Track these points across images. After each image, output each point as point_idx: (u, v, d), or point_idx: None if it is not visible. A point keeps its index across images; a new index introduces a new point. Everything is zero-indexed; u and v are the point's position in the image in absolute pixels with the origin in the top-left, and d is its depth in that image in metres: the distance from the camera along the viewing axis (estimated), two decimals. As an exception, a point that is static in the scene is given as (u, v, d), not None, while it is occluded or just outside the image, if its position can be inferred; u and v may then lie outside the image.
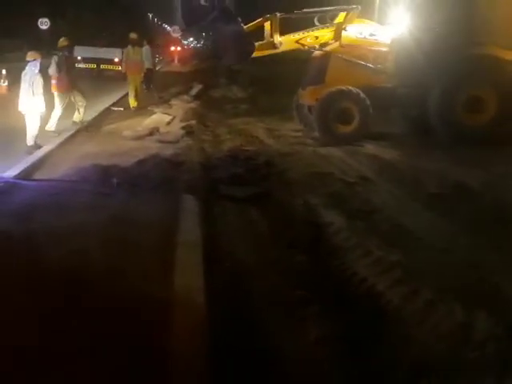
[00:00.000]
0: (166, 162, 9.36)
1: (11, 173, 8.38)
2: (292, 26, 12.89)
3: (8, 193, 7.52)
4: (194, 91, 20.07)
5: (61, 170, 8.97)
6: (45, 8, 36.12)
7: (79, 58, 28.08)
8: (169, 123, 13.75)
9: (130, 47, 17.43)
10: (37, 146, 10.74)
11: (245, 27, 12.53)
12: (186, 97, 18.95)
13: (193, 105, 16.79)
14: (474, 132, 10.98)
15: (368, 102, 11.55)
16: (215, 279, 5.02)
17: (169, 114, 14.87)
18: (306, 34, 12.53)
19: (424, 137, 11.47)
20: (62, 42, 13.12)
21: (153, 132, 12.62)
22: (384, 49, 12.08)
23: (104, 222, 6.42)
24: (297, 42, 12.49)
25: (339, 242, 5.98)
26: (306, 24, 13.16)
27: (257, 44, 12.44)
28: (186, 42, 76.88)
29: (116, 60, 25.83)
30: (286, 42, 12.46)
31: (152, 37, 43.09)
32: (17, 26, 35.23)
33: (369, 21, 12.94)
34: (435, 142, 10.98)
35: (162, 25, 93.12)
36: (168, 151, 10.32)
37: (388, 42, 12.11)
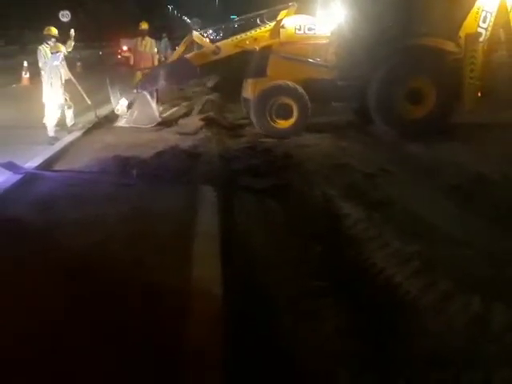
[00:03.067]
0: (185, 153, 9.38)
1: (32, 164, 8.46)
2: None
3: (29, 183, 7.61)
4: (212, 83, 20.04)
5: (81, 160, 9.04)
6: (65, 0, 36.28)
7: (124, 48, 28.28)
8: (187, 115, 13.76)
9: (139, 38, 15.83)
10: (56, 138, 10.83)
11: (175, 55, 13.09)
12: (203, 88, 18.92)
13: (211, 96, 16.76)
14: (413, 124, 11.03)
15: (306, 96, 11.43)
16: (233, 270, 5.03)
17: (187, 106, 14.88)
18: (244, 36, 12.43)
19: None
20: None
21: (172, 123, 12.69)
22: (324, 42, 11.96)
23: (123, 212, 6.48)
24: (236, 45, 12.41)
25: (357, 233, 5.97)
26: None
27: (195, 52, 12.66)
28: (205, 34, 76.79)
29: (155, 50, 25.66)
30: (225, 47, 12.42)
31: (172, 29, 43.17)
32: (38, 19, 35.45)
33: (308, 16, 12.71)
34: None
35: (181, 17, 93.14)
36: (187, 143, 10.35)
37: (328, 34, 11.98)
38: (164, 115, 13.62)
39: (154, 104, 12.48)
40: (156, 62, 16.40)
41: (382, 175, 8.22)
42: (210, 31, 32.28)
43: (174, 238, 5.70)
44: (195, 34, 12.85)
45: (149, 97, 12.29)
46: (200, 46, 13.29)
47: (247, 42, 12.35)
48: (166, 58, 22.21)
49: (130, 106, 12.53)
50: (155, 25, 30.99)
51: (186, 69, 12.34)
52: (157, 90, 13.61)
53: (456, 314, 4.20)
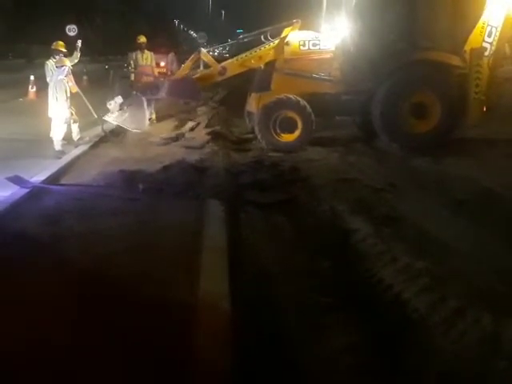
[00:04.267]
0: (192, 167, 9.39)
1: (39, 178, 8.45)
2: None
3: (35, 197, 7.60)
4: (219, 97, 20.09)
5: (88, 175, 9.04)
6: (72, 15, 36.55)
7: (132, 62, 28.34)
8: (193, 129, 13.78)
9: (138, 52, 15.71)
10: (62, 152, 10.84)
11: (182, 71, 12.90)
12: (210, 102, 18.96)
13: (218, 110, 16.79)
14: (417, 138, 11.02)
15: (309, 110, 11.43)
16: (240, 284, 5.01)
17: (194, 120, 14.90)
18: (249, 55, 12.36)
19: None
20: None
21: (178, 138, 12.70)
22: (328, 56, 11.94)
23: (130, 226, 6.48)
24: (241, 65, 12.36)
25: (365, 248, 5.93)
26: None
27: (201, 73, 12.64)
28: (210, 48, 77.22)
29: (162, 64, 25.65)
30: (230, 67, 12.36)
31: (179, 43, 43.40)
32: (45, 33, 35.69)
33: (312, 32, 12.67)
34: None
35: (187, 31, 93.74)
36: (193, 157, 10.35)
37: (332, 49, 11.97)
38: (170, 129, 13.64)
39: (147, 112, 12.46)
40: (156, 75, 16.51)
41: (390, 190, 8.19)
42: (217, 47, 32.37)
43: (181, 252, 5.69)
44: (203, 52, 12.86)
45: (145, 103, 12.27)
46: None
47: (252, 61, 12.29)
48: (172, 73, 22.29)
49: (122, 106, 12.45)
50: (161, 40, 31.20)
51: (190, 89, 12.34)
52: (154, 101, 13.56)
53: (466, 330, 4.15)
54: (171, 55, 23.48)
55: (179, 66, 22.32)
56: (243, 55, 12.38)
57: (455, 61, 11.09)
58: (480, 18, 11.08)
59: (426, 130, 11.14)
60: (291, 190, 8.39)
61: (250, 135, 12.91)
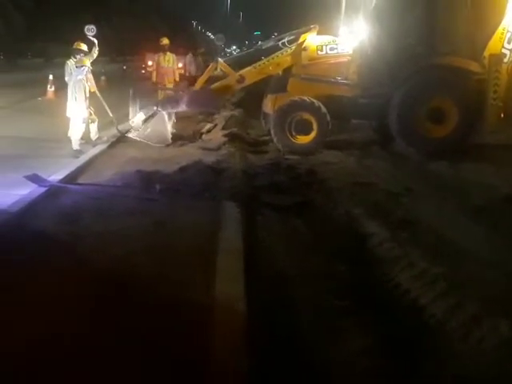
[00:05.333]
0: (208, 168, 9.40)
1: (57, 177, 8.50)
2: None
3: (53, 196, 7.64)
4: (236, 99, 20.10)
5: (105, 174, 9.08)
6: (91, 14, 36.72)
7: (150, 63, 28.47)
8: (210, 130, 13.79)
9: (161, 54, 16.38)
10: (80, 151, 10.90)
11: (200, 82, 12.86)
12: (227, 104, 18.97)
13: (234, 112, 16.79)
14: (434, 143, 10.96)
15: (325, 112, 11.42)
16: (256, 286, 5.01)
17: (211, 122, 14.92)
18: (267, 62, 12.37)
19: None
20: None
21: (195, 136, 12.85)
22: (345, 59, 11.93)
23: (147, 227, 6.50)
24: (259, 72, 12.36)
25: (382, 253, 5.92)
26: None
27: (220, 83, 12.54)
28: (228, 50, 77.63)
29: (180, 65, 25.80)
30: (248, 75, 12.37)
31: (196, 44, 43.51)
32: (64, 32, 35.94)
33: (330, 36, 12.65)
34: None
35: (205, 32, 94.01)
36: (210, 158, 10.36)
37: (350, 52, 11.96)
38: (187, 130, 13.71)
39: (169, 126, 12.54)
40: (177, 78, 16.66)
41: (407, 194, 8.16)
42: (234, 47, 32.43)
43: (197, 253, 5.70)
44: (220, 61, 12.86)
45: (166, 117, 12.36)
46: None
47: (270, 68, 12.32)
48: (189, 73, 22.38)
49: (146, 121, 12.62)
50: (179, 41, 31.32)
51: (208, 100, 12.43)
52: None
53: (484, 336, 4.13)
54: (189, 56, 23.59)
55: (197, 67, 22.45)
56: (261, 62, 12.43)
57: (473, 66, 11.04)
58: (500, 24, 11.00)
59: (443, 135, 11.09)
60: (307, 193, 8.37)
61: (267, 137, 12.91)
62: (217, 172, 9.25)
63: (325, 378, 3.92)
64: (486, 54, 11.03)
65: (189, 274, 5.13)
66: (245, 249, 5.85)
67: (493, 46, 11.04)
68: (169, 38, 16.84)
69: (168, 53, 16.39)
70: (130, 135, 12.41)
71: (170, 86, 16.28)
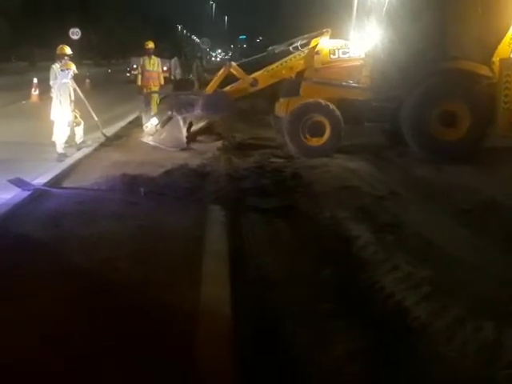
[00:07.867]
0: (193, 172, 9.39)
1: (41, 180, 8.46)
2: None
3: (37, 200, 7.60)
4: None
5: (89, 178, 9.04)
6: (76, 18, 36.64)
7: (134, 66, 28.42)
8: (196, 134, 13.77)
9: (146, 57, 16.24)
10: (65, 155, 10.85)
11: (212, 85, 12.77)
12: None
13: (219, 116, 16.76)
14: (446, 147, 10.96)
15: (338, 114, 11.50)
16: (241, 290, 4.99)
17: (196, 125, 14.90)
18: (280, 66, 12.41)
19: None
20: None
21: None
22: (358, 63, 12.01)
23: (131, 230, 6.47)
24: (272, 76, 12.41)
25: (367, 256, 5.91)
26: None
27: (233, 86, 12.56)
28: (213, 54, 77.67)
29: (165, 68, 25.76)
30: (261, 78, 12.38)
31: (182, 48, 43.49)
32: (48, 36, 35.79)
33: (342, 40, 12.71)
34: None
35: (190, 36, 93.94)
36: (195, 161, 10.36)
37: (362, 56, 12.04)
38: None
39: (184, 130, 12.52)
40: (162, 81, 16.63)
41: (392, 198, 8.18)
42: (219, 50, 32.48)
43: (182, 257, 5.68)
44: (233, 65, 12.82)
45: (182, 122, 12.37)
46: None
47: (283, 72, 12.35)
48: (174, 77, 22.35)
49: (161, 126, 12.61)
50: (164, 45, 31.30)
51: (223, 102, 12.38)
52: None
53: (467, 339, 4.13)
54: (174, 60, 23.57)
55: (182, 70, 22.44)
56: (274, 66, 12.47)
57: (484, 70, 11.07)
58: (509, 29, 11.08)
59: (455, 139, 11.09)
60: (292, 197, 8.36)
61: (252, 141, 12.91)
62: (202, 175, 9.24)
63: (310, 382, 3.91)
64: (495, 58, 11.07)
65: (173, 278, 5.11)
66: (230, 252, 5.84)
67: (502, 50, 11.10)
68: (154, 42, 16.82)
69: (153, 56, 16.34)
70: (143, 139, 12.52)
71: (156, 89, 16.22)
